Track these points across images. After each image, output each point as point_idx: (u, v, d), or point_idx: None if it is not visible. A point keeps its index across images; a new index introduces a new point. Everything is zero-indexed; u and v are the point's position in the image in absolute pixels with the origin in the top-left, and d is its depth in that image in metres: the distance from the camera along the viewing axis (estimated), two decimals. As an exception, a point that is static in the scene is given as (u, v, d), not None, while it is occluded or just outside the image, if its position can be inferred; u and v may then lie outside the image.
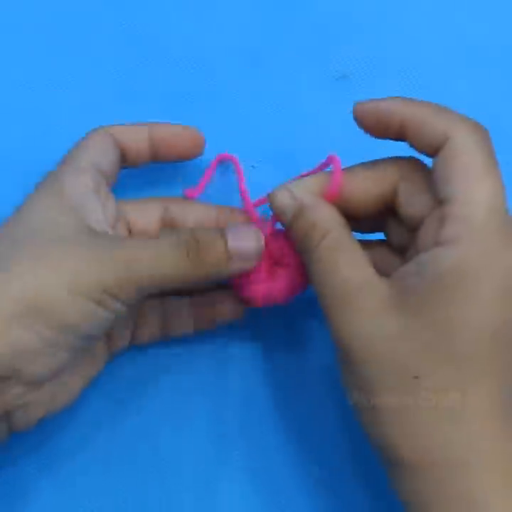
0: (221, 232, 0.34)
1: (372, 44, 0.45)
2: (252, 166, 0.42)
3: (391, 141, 0.44)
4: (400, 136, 0.34)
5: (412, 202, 0.33)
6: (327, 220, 0.33)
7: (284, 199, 0.34)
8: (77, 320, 0.32)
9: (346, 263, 0.32)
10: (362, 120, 0.34)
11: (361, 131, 0.42)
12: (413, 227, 0.33)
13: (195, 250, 0.33)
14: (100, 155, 0.37)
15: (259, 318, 0.40)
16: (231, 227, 0.34)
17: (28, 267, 0.31)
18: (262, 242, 0.35)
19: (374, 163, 0.35)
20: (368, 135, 0.35)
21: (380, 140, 0.43)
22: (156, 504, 0.38)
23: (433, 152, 0.32)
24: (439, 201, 0.31)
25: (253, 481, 0.38)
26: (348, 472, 0.38)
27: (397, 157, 0.35)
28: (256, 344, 0.40)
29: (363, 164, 0.35)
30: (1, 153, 0.43)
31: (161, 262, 0.33)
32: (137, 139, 0.38)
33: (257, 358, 0.40)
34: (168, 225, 0.39)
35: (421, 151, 0.33)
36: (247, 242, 0.34)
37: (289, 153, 0.43)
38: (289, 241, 0.35)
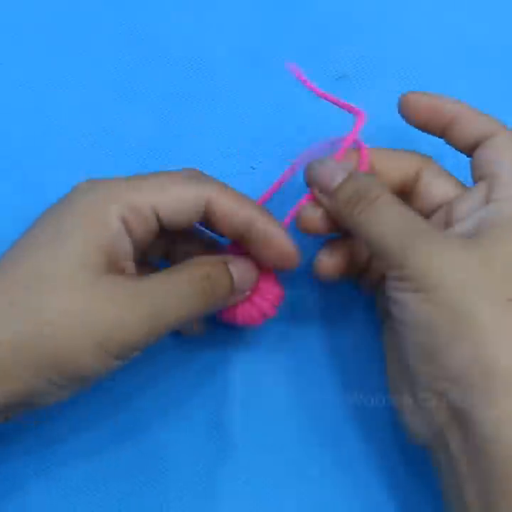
0: (226, 265, 0.35)
1: (372, 44, 0.45)
2: (252, 167, 0.42)
3: (390, 142, 0.44)
4: (443, 132, 0.36)
5: (437, 183, 0.36)
6: (380, 183, 0.34)
7: (332, 165, 0.36)
8: (93, 372, 0.32)
9: (410, 210, 0.33)
10: (415, 112, 0.36)
11: (361, 133, 0.42)
12: (432, 208, 0.36)
13: (209, 287, 0.34)
14: (181, 206, 0.34)
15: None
16: (231, 260, 0.36)
17: (54, 312, 0.31)
18: (256, 275, 0.36)
19: (398, 150, 0.37)
20: (412, 126, 0.37)
21: (380, 140, 0.43)
22: (156, 504, 0.38)
23: (471, 149, 0.36)
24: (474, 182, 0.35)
25: (253, 481, 0.38)
26: (348, 472, 0.38)
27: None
28: (256, 344, 0.40)
29: (388, 149, 0.37)
30: (1, 153, 0.43)
31: (182, 305, 0.33)
32: (233, 222, 0.35)
33: (257, 357, 0.40)
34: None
35: (461, 148, 0.36)
36: (245, 275, 0.36)
37: (289, 153, 0.43)
38: (266, 277, 0.37)
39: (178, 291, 0.33)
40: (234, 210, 0.34)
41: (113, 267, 0.33)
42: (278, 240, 0.35)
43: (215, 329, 0.39)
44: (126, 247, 0.34)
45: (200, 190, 0.34)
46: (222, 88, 0.44)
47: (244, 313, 0.37)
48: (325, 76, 0.44)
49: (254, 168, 0.42)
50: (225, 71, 0.44)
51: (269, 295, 0.37)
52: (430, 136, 0.43)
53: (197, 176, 0.35)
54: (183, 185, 0.34)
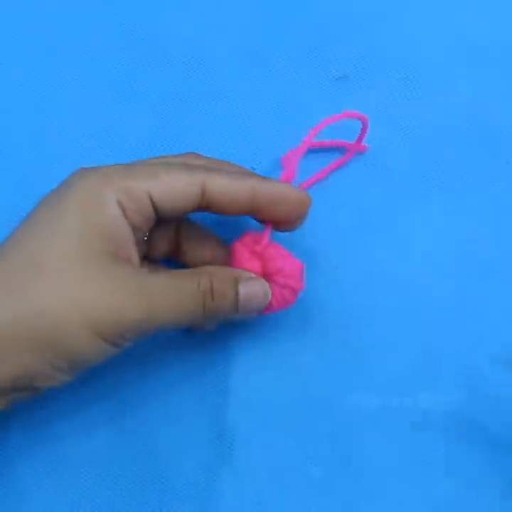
0: (235, 283, 0.35)
1: (372, 44, 0.45)
2: (252, 168, 0.42)
3: (390, 141, 0.44)
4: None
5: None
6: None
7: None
8: (89, 356, 0.33)
9: None
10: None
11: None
12: None
13: (210, 300, 0.34)
14: (175, 194, 0.35)
15: (257, 317, 0.40)
16: (243, 279, 0.36)
17: (51, 297, 0.32)
18: (269, 297, 0.36)
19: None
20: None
21: (379, 140, 0.43)
22: (155, 504, 0.38)
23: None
24: None
25: (254, 482, 0.38)
26: (349, 472, 0.38)
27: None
28: (256, 343, 0.40)
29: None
30: (0, 153, 0.43)
31: (180, 310, 0.34)
32: (237, 199, 0.35)
33: (257, 357, 0.40)
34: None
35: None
36: (255, 297, 0.36)
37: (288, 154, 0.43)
38: (283, 256, 0.37)
39: (179, 296, 0.34)
40: (232, 189, 0.35)
41: (115, 253, 0.33)
42: (287, 193, 0.36)
43: (214, 330, 0.39)
44: (125, 232, 0.34)
45: (193, 177, 0.34)
46: (222, 88, 0.44)
47: (277, 297, 0.36)
48: (325, 76, 0.44)
49: (254, 169, 0.42)
50: (225, 71, 0.44)
51: (292, 271, 0.37)
52: (429, 136, 0.43)
53: (193, 160, 0.36)
54: (176, 172, 0.34)
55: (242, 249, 0.37)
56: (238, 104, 0.44)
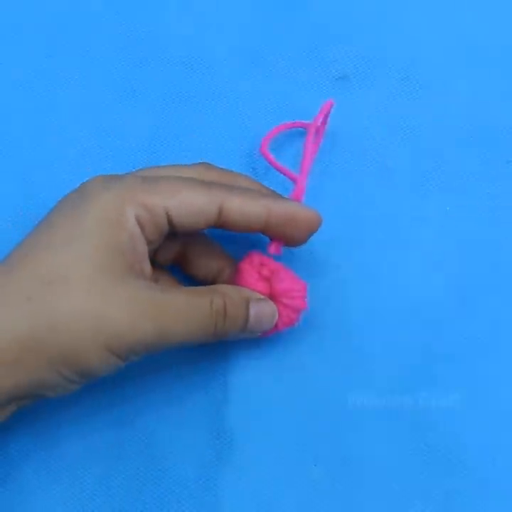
0: (247, 303, 0.36)
1: (372, 44, 0.45)
2: (253, 169, 0.42)
3: (390, 141, 0.44)
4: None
5: None
6: None
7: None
8: (100, 369, 0.33)
9: None
10: None
11: (361, 133, 0.43)
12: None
13: (222, 320, 0.35)
14: (193, 212, 0.35)
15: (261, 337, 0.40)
16: (254, 299, 0.36)
17: (66, 311, 0.32)
18: (276, 318, 0.37)
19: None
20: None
21: (379, 140, 0.43)
22: (155, 504, 0.38)
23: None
24: None
25: (254, 482, 0.38)
26: (349, 472, 0.38)
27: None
28: (256, 343, 0.40)
29: None
30: (0, 153, 0.43)
31: (192, 328, 0.34)
32: (252, 219, 0.36)
33: (257, 357, 0.40)
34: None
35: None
36: (263, 318, 0.37)
37: (289, 155, 0.43)
38: (289, 278, 0.38)
39: (192, 315, 0.34)
40: (248, 210, 0.35)
41: (131, 268, 0.34)
42: (300, 213, 0.36)
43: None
44: (142, 248, 0.34)
45: (212, 196, 0.35)
46: (222, 88, 0.44)
47: (283, 318, 0.37)
48: (325, 76, 0.44)
49: (254, 169, 0.42)
50: (225, 71, 0.44)
51: (298, 292, 0.38)
52: (429, 136, 0.43)
53: (206, 172, 0.37)
54: (196, 191, 0.35)
55: (250, 271, 0.37)
56: (238, 104, 0.44)
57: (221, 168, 0.38)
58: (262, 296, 0.37)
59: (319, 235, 0.40)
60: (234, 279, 0.38)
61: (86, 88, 0.44)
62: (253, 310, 0.36)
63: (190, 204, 0.34)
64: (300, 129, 0.41)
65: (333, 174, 0.43)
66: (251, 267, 0.38)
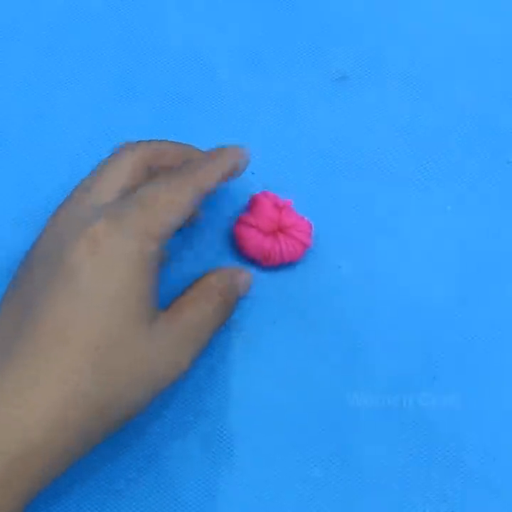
0: (235, 279, 0.38)
1: (372, 44, 0.45)
2: (252, 173, 0.42)
3: (390, 141, 0.44)
4: None
5: None
6: None
7: None
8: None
9: None
10: None
11: (361, 133, 0.43)
12: None
13: (224, 304, 0.37)
14: (185, 215, 0.35)
15: (258, 317, 0.40)
16: (237, 272, 0.39)
17: (124, 370, 0.32)
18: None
19: None
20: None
21: (379, 140, 0.43)
22: (155, 505, 0.38)
23: None
24: None
25: (254, 483, 0.38)
26: (349, 472, 0.38)
27: None
28: (256, 344, 0.40)
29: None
30: (0, 153, 0.43)
31: (212, 328, 0.36)
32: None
33: (256, 357, 0.40)
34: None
35: None
36: (247, 281, 0.39)
37: (289, 154, 0.43)
38: (297, 215, 0.40)
39: (207, 317, 0.35)
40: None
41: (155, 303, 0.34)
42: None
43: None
44: (157, 276, 0.34)
45: (190, 193, 0.35)
46: (222, 88, 0.44)
47: (289, 249, 0.40)
48: (325, 76, 0.44)
49: (253, 173, 0.42)
50: (225, 71, 0.44)
51: (304, 227, 0.40)
52: (429, 136, 0.43)
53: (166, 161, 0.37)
54: (184, 194, 0.34)
55: (265, 201, 0.40)
56: (238, 104, 0.44)
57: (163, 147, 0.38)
58: (239, 269, 0.39)
59: (319, 235, 0.41)
60: (249, 207, 0.41)
61: (86, 88, 0.44)
62: (241, 286, 0.38)
63: (185, 209, 0.34)
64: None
65: (333, 174, 0.43)
66: (266, 198, 0.40)
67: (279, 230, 0.40)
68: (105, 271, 0.32)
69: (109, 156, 0.37)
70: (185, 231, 0.41)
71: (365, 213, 0.42)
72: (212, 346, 0.40)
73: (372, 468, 0.38)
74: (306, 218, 0.40)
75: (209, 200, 0.41)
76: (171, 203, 0.34)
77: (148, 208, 0.33)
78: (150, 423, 0.39)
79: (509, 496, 0.38)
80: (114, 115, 0.43)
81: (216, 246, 0.41)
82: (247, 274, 0.39)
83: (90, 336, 0.31)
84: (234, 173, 0.37)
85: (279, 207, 0.40)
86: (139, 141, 0.37)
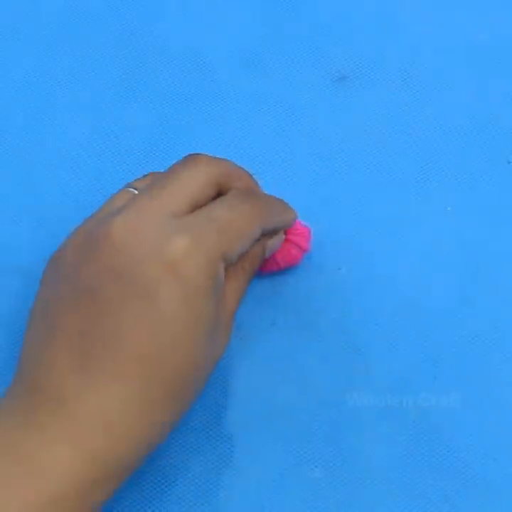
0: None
1: (372, 44, 0.45)
2: (252, 173, 0.42)
3: (390, 141, 0.44)
4: None
5: None
6: None
7: None
8: None
9: None
10: None
11: (361, 133, 0.43)
12: None
13: (249, 265, 0.35)
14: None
15: (257, 318, 0.40)
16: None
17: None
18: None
19: None
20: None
21: (379, 140, 0.43)
22: (155, 506, 0.38)
23: None
24: None
25: (254, 483, 0.38)
26: (349, 472, 0.38)
27: None
28: (255, 344, 0.40)
29: None
30: (0, 153, 0.43)
31: (242, 293, 0.36)
32: None
33: (256, 357, 0.40)
34: None
35: None
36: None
37: (289, 155, 0.43)
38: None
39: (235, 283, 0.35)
40: None
41: None
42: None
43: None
44: None
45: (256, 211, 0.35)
46: (222, 88, 0.44)
47: (285, 254, 0.39)
48: (325, 76, 0.44)
49: (253, 174, 0.42)
50: (225, 71, 0.44)
51: (302, 232, 0.39)
52: (429, 135, 0.43)
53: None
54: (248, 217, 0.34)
55: None
56: (238, 104, 0.44)
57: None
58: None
59: (319, 236, 0.41)
60: None
61: (86, 88, 0.44)
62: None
63: (250, 242, 0.34)
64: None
65: (333, 174, 0.43)
66: None
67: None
68: (186, 295, 0.30)
69: (180, 163, 0.34)
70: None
71: (365, 213, 0.42)
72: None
73: (372, 468, 0.38)
74: (304, 223, 0.40)
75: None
76: (242, 233, 0.33)
77: (225, 233, 0.32)
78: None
79: (509, 496, 0.38)
80: (114, 115, 0.43)
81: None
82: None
83: (174, 364, 0.30)
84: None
85: None
86: (214, 157, 0.35)
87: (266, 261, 0.39)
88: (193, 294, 0.30)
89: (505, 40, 0.45)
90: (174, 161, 0.41)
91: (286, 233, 0.39)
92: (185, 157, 0.34)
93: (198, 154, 0.34)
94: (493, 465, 0.38)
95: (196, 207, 0.33)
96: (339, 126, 0.43)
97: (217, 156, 0.35)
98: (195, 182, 0.33)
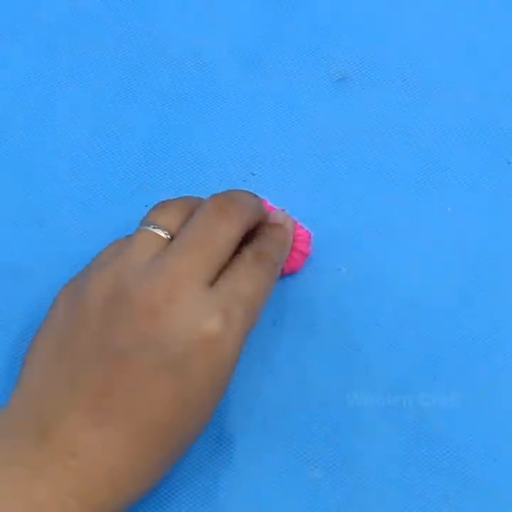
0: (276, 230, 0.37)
1: (372, 44, 0.45)
2: (252, 174, 0.42)
3: (390, 141, 0.44)
4: None
5: None
6: None
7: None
8: None
9: None
10: None
11: (361, 133, 0.43)
12: None
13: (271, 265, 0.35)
14: None
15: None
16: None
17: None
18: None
19: None
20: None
21: (379, 140, 0.43)
22: (155, 506, 0.38)
23: None
24: None
25: (255, 484, 0.38)
26: (349, 472, 0.38)
27: None
28: (255, 344, 0.40)
29: None
30: (0, 153, 0.43)
31: (267, 294, 0.36)
32: None
33: (256, 357, 0.40)
34: None
35: None
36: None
37: (289, 155, 0.43)
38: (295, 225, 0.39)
39: (256, 283, 0.34)
40: None
41: None
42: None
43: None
44: None
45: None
46: (222, 88, 0.44)
47: (288, 261, 0.39)
48: (325, 77, 0.44)
49: (254, 174, 0.42)
50: (225, 71, 0.44)
51: (303, 237, 0.40)
52: (430, 136, 0.43)
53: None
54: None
55: None
56: (238, 104, 0.44)
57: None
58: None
59: (319, 236, 0.41)
60: None
61: (86, 88, 0.44)
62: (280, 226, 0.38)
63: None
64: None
65: (333, 174, 0.42)
66: None
67: None
68: (214, 374, 0.32)
69: (212, 209, 0.34)
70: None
71: (364, 214, 0.42)
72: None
73: (372, 468, 0.38)
74: (304, 226, 0.40)
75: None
76: (262, 304, 0.34)
77: (250, 311, 0.33)
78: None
79: (510, 496, 0.38)
80: (114, 115, 0.43)
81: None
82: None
83: (186, 434, 0.33)
84: None
85: None
86: (244, 200, 0.35)
87: None
88: (220, 373, 0.33)
89: (505, 40, 0.45)
90: (173, 163, 0.41)
91: None
92: (217, 201, 0.34)
93: (231, 200, 0.34)
94: (493, 465, 0.38)
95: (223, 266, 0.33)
96: (339, 126, 0.43)
97: (247, 194, 0.36)
98: (229, 243, 0.33)
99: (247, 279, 0.33)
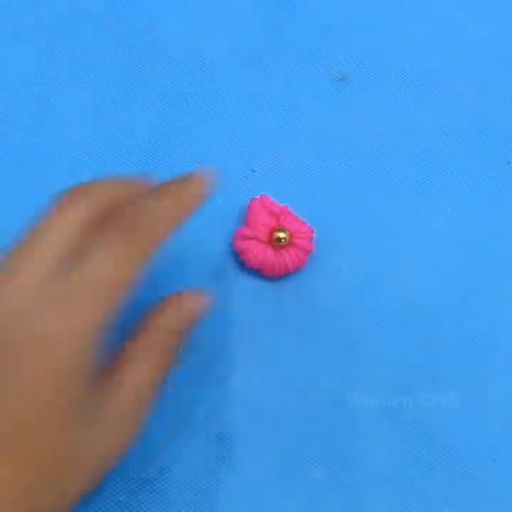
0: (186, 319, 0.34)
1: (372, 44, 0.45)
2: (252, 170, 0.42)
3: (390, 141, 0.44)
4: None
5: None
6: None
7: None
8: None
9: None
10: None
11: (361, 133, 0.43)
12: None
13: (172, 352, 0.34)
14: None
15: (257, 317, 0.40)
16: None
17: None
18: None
19: None
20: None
21: (379, 141, 0.43)
22: (155, 506, 0.38)
23: None
24: None
25: (255, 484, 0.38)
26: (349, 473, 0.38)
27: None
28: (255, 344, 0.40)
29: None
30: (0, 153, 0.43)
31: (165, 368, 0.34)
32: None
33: (256, 357, 0.40)
34: None
35: None
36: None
37: (289, 155, 0.43)
38: (297, 220, 0.40)
39: (150, 380, 0.32)
40: None
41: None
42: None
43: (214, 330, 0.39)
44: None
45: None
46: (222, 88, 0.44)
47: (293, 259, 0.39)
48: (325, 76, 0.44)
49: (254, 171, 0.42)
50: (225, 71, 0.44)
51: (306, 234, 0.40)
52: (429, 136, 0.43)
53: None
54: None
55: (260, 209, 0.40)
56: (238, 104, 0.44)
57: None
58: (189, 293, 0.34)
59: (319, 237, 0.41)
60: (245, 217, 0.40)
61: (86, 88, 0.44)
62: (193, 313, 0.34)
63: (131, 283, 0.30)
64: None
65: (333, 174, 0.43)
66: (261, 206, 0.40)
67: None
68: (51, 374, 0.28)
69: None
70: (185, 247, 0.41)
71: (365, 214, 0.42)
72: (211, 347, 0.40)
73: (372, 468, 0.38)
74: (306, 223, 0.40)
75: (207, 210, 0.41)
76: (119, 283, 0.29)
77: (99, 296, 0.29)
78: (149, 424, 0.39)
79: (510, 496, 0.38)
80: (114, 115, 0.43)
81: (218, 261, 0.41)
82: (198, 297, 0.33)
83: (47, 445, 0.29)
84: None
85: (275, 213, 0.40)
86: (84, 188, 0.32)
87: (274, 267, 0.39)
88: (58, 372, 0.28)
89: (505, 40, 0.45)
90: (173, 163, 0.41)
91: (292, 237, 0.39)
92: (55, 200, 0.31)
93: (68, 192, 0.31)
94: (493, 465, 0.38)
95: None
96: (339, 126, 0.43)
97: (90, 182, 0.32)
98: (60, 235, 0.30)
99: (92, 260, 0.29)
